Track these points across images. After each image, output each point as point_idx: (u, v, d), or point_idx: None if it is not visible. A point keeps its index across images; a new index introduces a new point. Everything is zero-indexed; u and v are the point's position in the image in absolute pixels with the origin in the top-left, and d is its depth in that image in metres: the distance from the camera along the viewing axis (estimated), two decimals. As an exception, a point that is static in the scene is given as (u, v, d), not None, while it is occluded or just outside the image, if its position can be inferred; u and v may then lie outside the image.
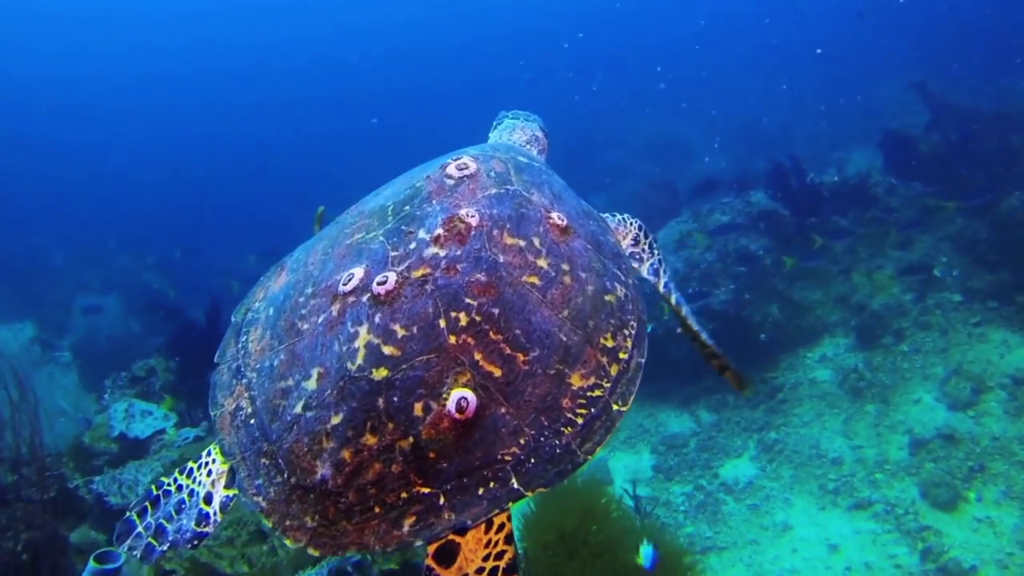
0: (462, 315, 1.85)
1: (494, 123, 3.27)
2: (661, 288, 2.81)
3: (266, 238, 19.94)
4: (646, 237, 2.80)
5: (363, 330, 1.84)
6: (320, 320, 1.94)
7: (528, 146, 3.06)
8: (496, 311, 1.88)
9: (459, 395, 1.75)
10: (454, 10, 49.77)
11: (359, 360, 1.80)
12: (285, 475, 1.81)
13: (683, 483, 8.07)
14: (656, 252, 2.81)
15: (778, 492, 7.53)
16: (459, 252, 1.95)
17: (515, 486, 1.77)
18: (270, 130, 38.04)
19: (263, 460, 1.87)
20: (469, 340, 1.83)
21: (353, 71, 48.72)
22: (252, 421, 1.94)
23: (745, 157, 20.14)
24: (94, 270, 16.80)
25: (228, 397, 2.05)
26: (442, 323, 1.83)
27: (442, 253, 1.94)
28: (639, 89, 27.76)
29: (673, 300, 2.84)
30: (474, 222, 2.02)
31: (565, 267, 2.06)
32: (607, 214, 2.75)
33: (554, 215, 2.19)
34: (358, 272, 1.96)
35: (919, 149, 9.91)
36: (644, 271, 2.76)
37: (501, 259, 1.97)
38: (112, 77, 45.58)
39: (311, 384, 1.85)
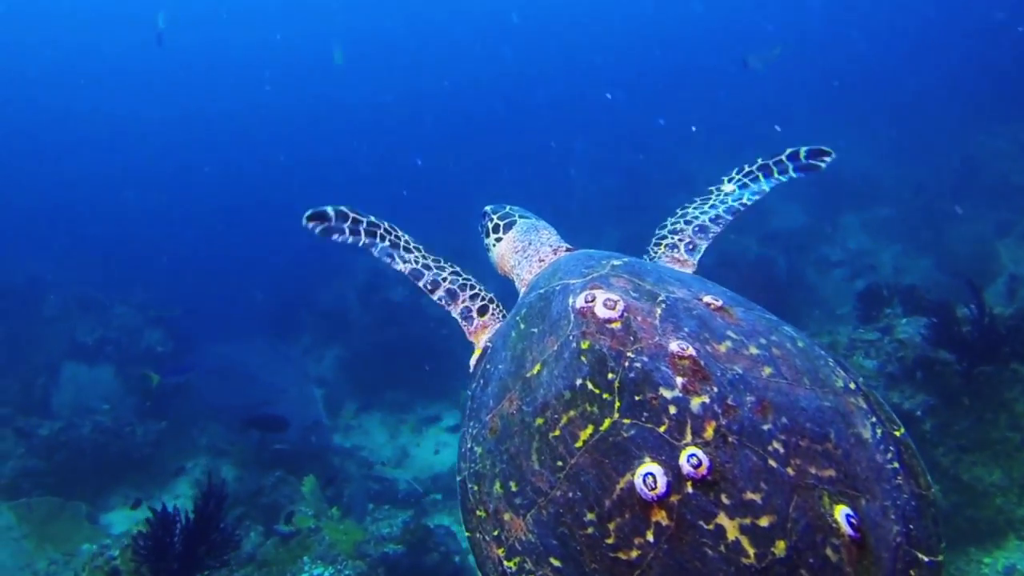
0: (775, 444, 1.79)
1: (491, 221, 3.26)
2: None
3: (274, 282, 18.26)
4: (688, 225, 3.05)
5: (724, 519, 1.68)
6: (650, 539, 1.72)
7: (560, 241, 3.09)
8: (786, 420, 1.84)
9: (844, 516, 1.70)
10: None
11: (750, 549, 1.64)
12: None
13: None
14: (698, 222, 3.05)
15: None
16: (715, 389, 1.86)
17: (926, 559, 1.76)
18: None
19: None
20: (797, 461, 1.77)
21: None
22: None
23: (822, 209, 17.98)
24: (89, 324, 14.81)
25: None
26: (773, 463, 1.75)
27: (706, 400, 1.84)
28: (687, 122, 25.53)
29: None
30: (692, 351, 1.94)
31: (763, 340, 2.07)
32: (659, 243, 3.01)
33: (707, 299, 2.21)
34: (654, 468, 1.76)
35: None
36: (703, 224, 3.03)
37: (739, 370, 1.93)
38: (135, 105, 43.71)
39: None
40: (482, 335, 2.78)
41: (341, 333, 15.67)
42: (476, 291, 2.89)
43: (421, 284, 2.85)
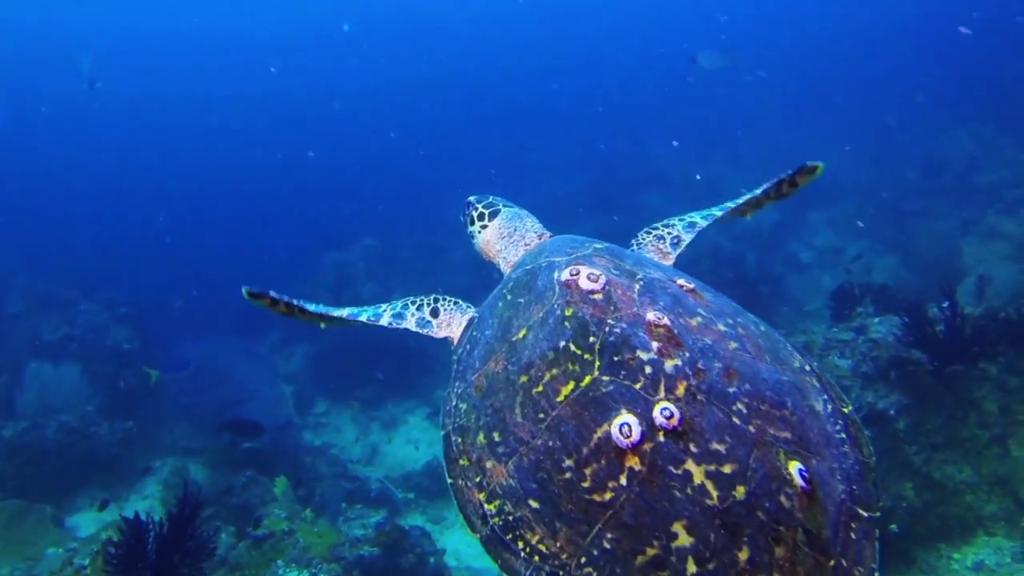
0: (739, 404, 1.98)
1: (476, 210, 3.38)
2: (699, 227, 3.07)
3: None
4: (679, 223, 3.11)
5: (691, 465, 1.86)
6: (623, 482, 1.89)
7: (543, 229, 3.30)
8: (748, 386, 2.03)
9: (797, 470, 1.88)
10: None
11: (714, 492, 1.83)
12: None
13: None
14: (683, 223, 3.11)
15: None
16: (687, 354, 2.05)
17: (866, 514, 1.98)
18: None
19: None
20: (758, 422, 1.96)
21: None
22: None
23: (793, 206, 18.11)
24: (53, 321, 14.47)
25: None
26: (736, 420, 1.94)
27: (679, 363, 2.02)
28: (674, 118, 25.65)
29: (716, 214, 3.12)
30: (667, 321, 2.12)
31: (730, 321, 2.28)
32: (647, 234, 3.12)
33: (680, 282, 2.41)
34: (630, 419, 1.93)
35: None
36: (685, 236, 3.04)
37: (708, 341, 2.12)
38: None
39: (685, 540, 1.81)
40: (448, 329, 2.89)
41: (311, 330, 15.44)
42: (418, 302, 2.96)
43: (364, 319, 2.87)
